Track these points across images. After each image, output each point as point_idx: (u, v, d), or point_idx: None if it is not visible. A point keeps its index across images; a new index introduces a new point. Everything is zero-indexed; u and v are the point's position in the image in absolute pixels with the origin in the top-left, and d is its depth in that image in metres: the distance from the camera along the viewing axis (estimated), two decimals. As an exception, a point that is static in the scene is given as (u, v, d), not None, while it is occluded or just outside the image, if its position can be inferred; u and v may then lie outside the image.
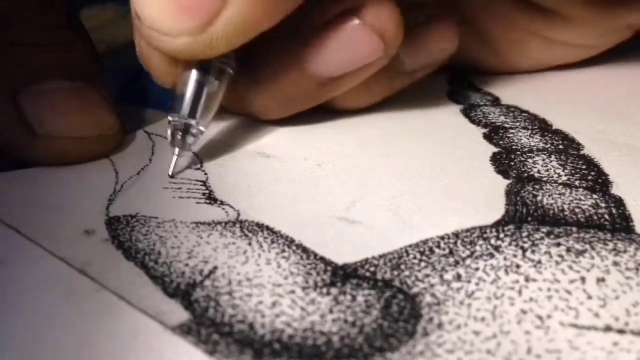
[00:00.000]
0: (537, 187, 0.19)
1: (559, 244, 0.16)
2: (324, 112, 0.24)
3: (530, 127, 0.23)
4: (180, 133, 0.19)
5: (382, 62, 0.21)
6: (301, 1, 0.19)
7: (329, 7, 0.21)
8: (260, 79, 0.22)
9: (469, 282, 0.15)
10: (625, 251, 0.15)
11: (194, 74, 0.19)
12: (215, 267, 0.15)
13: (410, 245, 0.16)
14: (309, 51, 0.21)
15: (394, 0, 0.21)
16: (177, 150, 0.20)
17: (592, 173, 0.20)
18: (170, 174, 0.20)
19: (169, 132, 0.20)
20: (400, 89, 0.24)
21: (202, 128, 0.20)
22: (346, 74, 0.21)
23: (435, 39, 0.23)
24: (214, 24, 0.17)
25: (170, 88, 0.21)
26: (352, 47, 0.21)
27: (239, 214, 0.18)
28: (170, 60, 0.20)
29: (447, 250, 0.16)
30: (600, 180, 0.19)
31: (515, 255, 0.15)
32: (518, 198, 0.18)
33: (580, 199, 0.18)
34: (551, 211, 0.17)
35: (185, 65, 0.19)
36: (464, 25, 0.27)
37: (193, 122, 0.19)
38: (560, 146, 0.22)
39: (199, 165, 0.20)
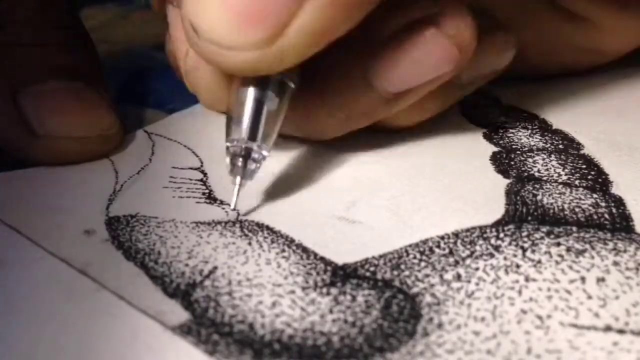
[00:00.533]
0: (537, 186, 0.19)
1: (559, 244, 0.16)
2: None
3: (530, 127, 0.23)
4: (241, 159, 0.17)
5: (451, 74, 0.20)
6: (378, 2, 0.17)
7: (400, 15, 0.19)
8: (320, 95, 0.19)
9: (469, 282, 0.15)
10: (625, 251, 0.15)
11: (251, 91, 0.17)
12: (215, 267, 0.15)
13: (410, 245, 0.16)
14: (377, 63, 0.19)
15: (468, 7, 0.19)
16: (238, 179, 0.17)
17: (592, 173, 0.20)
18: (233, 207, 0.17)
19: (227, 160, 0.17)
20: (453, 104, 0.23)
21: (264, 152, 0.17)
22: (413, 88, 0.19)
23: (493, 51, 0.22)
24: (285, 34, 0.15)
25: (224, 112, 0.18)
26: (426, 58, 0.19)
27: (239, 214, 0.18)
28: (223, 80, 0.18)
29: (447, 250, 0.16)
30: (600, 180, 0.19)
31: (515, 255, 0.15)
32: (518, 198, 0.18)
33: (580, 199, 0.18)
34: (551, 211, 0.17)
35: (241, 82, 0.17)
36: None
37: (255, 145, 0.17)
38: (560, 146, 0.22)
39: (199, 165, 0.20)
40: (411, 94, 0.20)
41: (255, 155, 0.17)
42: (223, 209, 0.18)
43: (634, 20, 0.25)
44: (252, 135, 0.17)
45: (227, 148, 0.17)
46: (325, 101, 0.20)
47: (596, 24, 0.25)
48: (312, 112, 0.20)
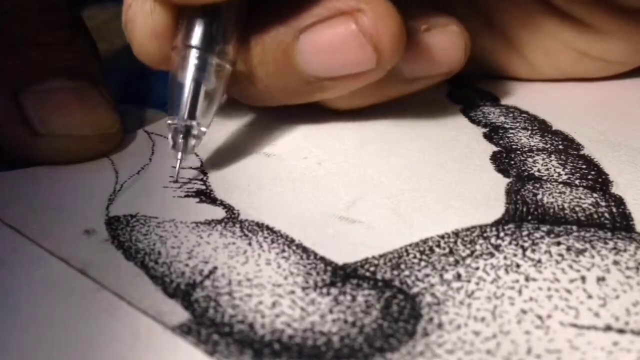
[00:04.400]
0: (537, 185, 0.19)
1: (559, 243, 0.16)
2: (323, 111, 0.24)
3: (530, 127, 0.23)
4: (182, 136, 0.18)
5: (375, 74, 0.20)
6: None
7: (327, 4, 0.19)
8: (248, 63, 0.20)
9: (469, 281, 0.14)
10: (625, 250, 0.15)
11: (190, 72, 0.18)
12: (215, 267, 0.15)
13: (410, 245, 0.16)
14: (299, 44, 0.20)
15: (397, 9, 0.19)
16: (180, 154, 0.19)
17: (592, 172, 0.20)
18: (175, 179, 0.19)
19: (169, 136, 0.19)
20: (397, 97, 0.23)
21: (203, 129, 0.19)
22: (335, 78, 0.20)
23: (438, 49, 0.21)
24: None
25: (150, 64, 0.20)
26: (342, 52, 0.20)
27: (239, 214, 0.18)
28: (154, 34, 0.19)
29: (447, 250, 0.16)
30: (600, 180, 0.19)
31: (515, 255, 0.15)
32: (518, 197, 0.18)
33: (580, 198, 0.18)
34: (551, 210, 0.17)
35: (180, 65, 0.18)
36: (498, 37, 0.26)
37: (194, 123, 0.18)
38: (560, 146, 0.22)
39: (199, 165, 0.20)
40: (334, 82, 0.20)
41: (194, 132, 0.19)
42: (223, 209, 0.18)
43: (635, 28, 0.25)
44: (191, 114, 0.18)
45: (169, 125, 0.19)
46: (249, 69, 0.20)
47: (597, 30, 0.25)
48: (238, 78, 0.20)
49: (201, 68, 0.18)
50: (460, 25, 0.22)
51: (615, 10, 0.24)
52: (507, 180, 0.19)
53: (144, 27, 0.19)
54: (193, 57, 0.18)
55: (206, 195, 0.19)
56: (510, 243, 0.16)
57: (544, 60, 0.27)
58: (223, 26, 0.19)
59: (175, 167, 0.19)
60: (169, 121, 0.19)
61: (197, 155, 0.21)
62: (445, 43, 0.22)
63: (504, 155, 0.21)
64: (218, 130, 0.23)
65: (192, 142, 0.19)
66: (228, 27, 0.19)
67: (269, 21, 0.20)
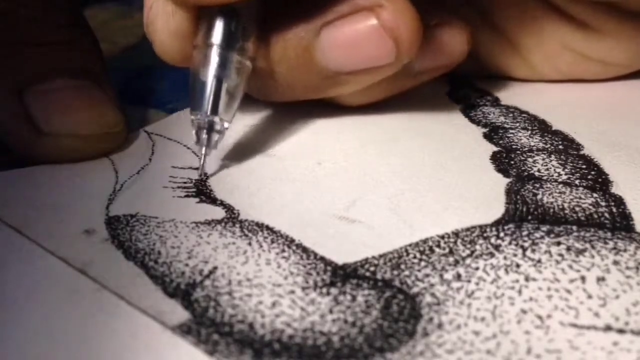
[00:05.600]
0: (537, 185, 0.19)
1: (559, 243, 0.16)
2: (323, 110, 0.24)
3: (530, 127, 0.23)
4: (205, 131, 0.19)
5: (392, 68, 0.21)
6: None
7: (348, 0, 0.20)
8: (269, 59, 0.21)
9: (469, 281, 0.14)
10: (625, 250, 0.15)
11: (212, 70, 0.19)
12: (215, 267, 0.15)
13: (410, 245, 0.16)
14: (319, 41, 0.20)
15: (414, 5, 0.20)
16: (204, 149, 0.19)
17: (592, 172, 0.20)
18: (200, 174, 0.20)
19: (193, 132, 0.19)
20: (406, 90, 0.24)
21: (226, 124, 0.19)
22: (353, 72, 0.21)
23: (445, 43, 0.22)
24: None
25: (172, 63, 0.20)
26: (363, 46, 0.20)
27: (239, 214, 0.18)
28: (175, 34, 0.19)
29: (447, 250, 0.16)
30: (600, 180, 0.19)
31: (515, 255, 0.15)
32: (518, 197, 0.18)
33: (580, 198, 0.18)
34: (551, 210, 0.17)
35: (203, 61, 0.19)
36: (498, 37, 0.26)
37: (216, 119, 0.19)
38: (560, 146, 0.22)
39: (199, 165, 0.20)
40: (352, 77, 0.21)
41: (217, 127, 0.19)
42: (223, 209, 0.18)
43: (635, 30, 0.25)
44: (214, 110, 0.19)
45: (192, 121, 0.19)
46: (269, 65, 0.21)
47: (597, 32, 0.25)
48: (258, 74, 0.21)
49: (222, 65, 0.19)
50: (463, 21, 0.23)
51: (616, 12, 0.24)
52: (507, 180, 0.19)
53: (166, 27, 0.20)
54: (214, 54, 0.19)
55: (206, 195, 0.19)
56: (510, 243, 0.16)
57: (543, 61, 0.27)
58: (242, 24, 0.19)
59: (200, 163, 0.20)
60: (192, 117, 0.19)
61: (198, 156, 0.21)
62: (452, 37, 0.22)
63: (504, 155, 0.21)
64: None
65: (215, 137, 0.19)
66: (247, 25, 0.19)
67: (289, 18, 0.20)
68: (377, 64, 0.21)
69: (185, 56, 0.20)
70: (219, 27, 0.19)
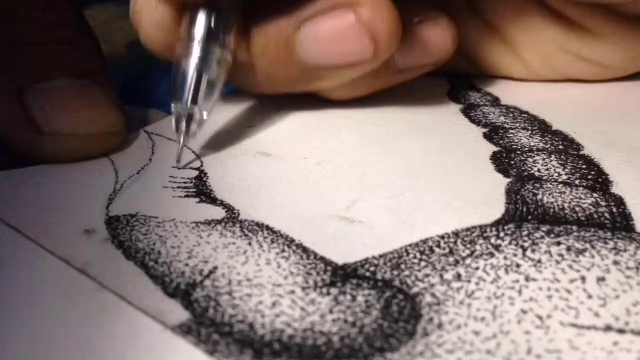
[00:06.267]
0: (537, 185, 0.19)
1: (559, 243, 0.16)
2: (324, 111, 0.24)
3: (530, 127, 0.23)
4: (184, 120, 0.20)
5: (371, 64, 0.21)
6: None
7: None
8: (250, 52, 0.21)
9: (469, 281, 0.14)
10: (625, 250, 0.15)
11: (193, 62, 0.19)
12: (215, 267, 0.15)
13: (410, 245, 0.16)
14: (299, 35, 0.21)
15: (392, 2, 0.20)
16: (182, 137, 0.20)
17: (592, 172, 0.20)
18: (177, 160, 0.20)
19: (172, 121, 0.20)
20: (389, 86, 0.24)
21: (205, 114, 0.20)
22: (332, 67, 0.21)
23: (430, 40, 0.23)
24: None
25: (157, 54, 0.21)
26: (341, 42, 0.20)
27: (239, 214, 0.18)
28: (160, 25, 0.20)
29: (447, 250, 0.16)
30: (600, 180, 0.19)
31: (515, 255, 0.15)
32: (518, 196, 0.18)
33: (580, 198, 0.18)
34: (551, 210, 0.17)
35: (181, 43, 0.20)
36: (494, 36, 0.26)
37: (196, 108, 0.20)
38: (560, 146, 0.22)
39: (199, 165, 0.20)
40: (331, 72, 0.21)
41: (197, 116, 0.20)
42: (223, 209, 0.18)
43: (633, 32, 0.25)
44: (194, 100, 0.19)
45: (172, 110, 0.20)
46: (250, 58, 0.21)
47: (594, 35, 0.25)
48: (240, 67, 0.21)
49: (203, 58, 0.20)
50: (449, 18, 0.23)
51: (613, 15, 0.24)
52: (507, 180, 0.19)
53: (150, 19, 0.20)
54: (196, 47, 0.20)
55: (206, 195, 0.19)
56: (510, 243, 0.16)
57: (540, 61, 0.27)
58: (224, 17, 0.20)
59: (178, 150, 0.20)
60: (172, 106, 0.20)
61: (197, 156, 0.21)
62: (436, 34, 0.23)
63: (504, 155, 0.21)
64: (218, 130, 0.23)
65: (194, 126, 0.20)
66: (229, 18, 0.20)
67: (270, 13, 0.21)
68: (355, 60, 0.21)
69: (169, 47, 0.21)
70: (201, 20, 0.20)
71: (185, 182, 0.19)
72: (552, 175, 0.19)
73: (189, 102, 0.19)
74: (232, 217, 0.17)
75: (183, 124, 0.20)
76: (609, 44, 0.25)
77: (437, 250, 0.16)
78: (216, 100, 0.20)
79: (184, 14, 0.20)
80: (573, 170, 0.20)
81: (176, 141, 0.20)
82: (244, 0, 0.21)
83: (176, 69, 0.20)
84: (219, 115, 0.24)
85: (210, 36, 0.20)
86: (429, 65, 0.23)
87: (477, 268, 0.15)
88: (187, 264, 0.15)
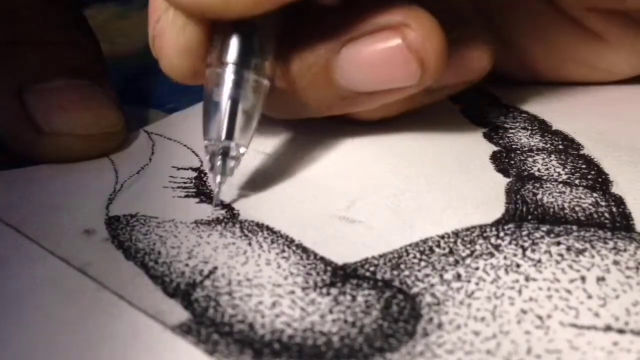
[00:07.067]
0: (537, 185, 0.19)
1: (559, 243, 0.16)
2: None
3: (530, 127, 0.23)
4: (220, 158, 0.17)
5: (414, 89, 0.19)
6: None
7: (370, 17, 0.19)
8: (286, 77, 0.20)
9: (469, 281, 0.14)
10: (625, 250, 0.15)
11: (226, 90, 0.17)
12: (215, 267, 0.15)
13: (410, 245, 0.16)
14: (339, 60, 0.19)
15: (439, 23, 0.19)
16: (219, 177, 0.18)
17: (592, 172, 0.20)
18: (215, 204, 0.18)
19: (206, 158, 0.18)
20: (421, 107, 0.22)
21: (242, 150, 0.18)
22: (373, 92, 0.20)
23: (468, 58, 0.21)
24: None
25: (179, 80, 0.19)
26: (386, 67, 0.19)
27: (239, 214, 0.17)
28: (183, 49, 0.18)
29: (447, 250, 0.16)
30: (600, 180, 0.19)
31: (515, 255, 0.15)
32: (518, 196, 0.18)
33: (580, 198, 0.18)
34: (551, 210, 0.17)
35: (216, 80, 0.18)
36: (503, 43, 0.26)
37: (232, 144, 0.17)
38: (560, 146, 0.22)
39: (199, 165, 0.20)
40: (371, 97, 0.20)
41: (233, 153, 0.17)
42: (223, 209, 0.18)
43: None
44: (229, 134, 0.17)
45: (206, 147, 0.18)
46: (285, 83, 0.20)
47: (609, 43, 0.25)
48: (274, 91, 0.19)
49: (238, 85, 0.17)
50: (487, 35, 0.22)
51: (630, 22, 0.24)
52: (507, 180, 0.19)
53: (175, 43, 0.18)
54: (229, 73, 0.17)
55: (206, 195, 0.19)
56: (510, 243, 0.16)
57: (549, 69, 0.26)
58: (260, 41, 0.18)
59: (214, 193, 0.18)
60: (206, 142, 0.18)
61: (197, 156, 0.21)
62: (474, 52, 0.21)
63: (504, 155, 0.21)
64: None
65: (231, 163, 0.18)
66: (265, 42, 0.18)
67: (308, 36, 0.19)
68: (399, 85, 0.19)
69: (196, 74, 0.18)
70: (234, 43, 0.17)
71: (185, 182, 0.19)
72: (552, 175, 0.19)
73: (223, 136, 0.17)
74: (232, 217, 0.17)
75: (218, 162, 0.17)
76: (621, 52, 0.25)
77: (437, 250, 0.16)
78: (254, 133, 0.18)
79: (216, 37, 0.18)
80: (573, 170, 0.20)
81: (210, 182, 0.18)
82: (281, 21, 0.18)
83: (207, 98, 0.18)
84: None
85: (246, 60, 0.17)
86: (465, 84, 0.22)
87: (477, 268, 0.15)
88: (187, 264, 0.15)
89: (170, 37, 0.18)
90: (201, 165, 0.20)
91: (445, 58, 0.19)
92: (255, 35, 0.18)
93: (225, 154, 0.17)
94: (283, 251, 0.16)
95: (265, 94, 0.18)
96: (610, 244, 0.16)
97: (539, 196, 0.18)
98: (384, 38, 0.19)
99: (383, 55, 0.19)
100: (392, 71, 0.19)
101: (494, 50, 0.22)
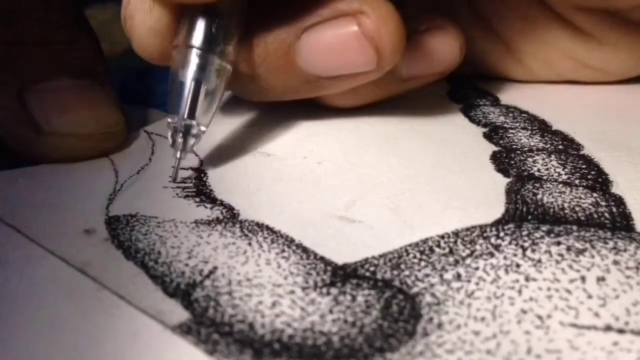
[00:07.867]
0: (537, 185, 0.19)
1: (559, 243, 0.16)
2: (323, 111, 0.24)
3: (530, 127, 0.23)
4: (181, 135, 0.19)
5: (374, 75, 0.20)
6: None
7: (330, 4, 0.20)
8: (250, 62, 0.20)
9: (469, 281, 0.14)
10: (625, 250, 0.15)
11: (191, 72, 0.18)
12: (215, 267, 0.15)
13: (410, 245, 0.16)
14: (300, 45, 0.20)
15: (398, 10, 0.20)
16: (179, 153, 0.19)
17: (592, 172, 0.20)
18: (174, 178, 0.19)
19: (169, 134, 0.19)
20: (394, 95, 0.23)
21: (203, 128, 0.19)
22: (334, 77, 0.21)
23: (437, 50, 0.22)
24: None
25: (150, 60, 0.20)
26: (343, 52, 0.20)
27: (239, 214, 0.18)
28: (153, 29, 0.19)
29: (447, 250, 0.16)
30: (600, 180, 0.19)
31: (515, 255, 0.15)
32: (518, 196, 0.18)
33: (580, 198, 0.18)
34: (551, 210, 0.17)
35: (182, 63, 0.18)
36: (496, 40, 0.26)
37: (193, 122, 0.18)
38: (560, 146, 0.22)
39: (199, 165, 0.20)
40: (333, 82, 0.21)
41: (194, 131, 0.19)
42: (223, 209, 0.18)
43: (637, 39, 0.25)
44: (191, 113, 0.18)
45: (168, 124, 0.19)
46: (250, 67, 0.20)
47: (598, 41, 0.25)
48: (239, 76, 0.20)
49: (202, 68, 0.18)
50: (457, 27, 0.22)
51: (618, 22, 0.24)
52: (507, 180, 0.19)
53: (143, 24, 0.19)
54: (194, 57, 0.18)
55: (206, 195, 0.19)
56: (510, 243, 0.16)
57: (542, 67, 0.27)
58: (224, 26, 0.19)
59: (174, 167, 0.19)
60: (169, 120, 0.19)
61: (197, 155, 0.21)
62: (443, 43, 0.22)
63: (504, 155, 0.21)
64: (218, 130, 0.23)
65: (191, 141, 0.19)
66: (229, 27, 0.19)
67: (271, 21, 0.20)
68: (357, 70, 0.20)
69: (163, 54, 0.19)
70: (200, 28, 0.18)
71: (185, 182, 0.19)
72: (552, 175, 0.19)
73: (185, 115, 0.18)
74: (232, 217, 0.17)
75: (180, 139, 0.19)
76: (613, 51, 0.25)
77: (437, 250, 0.16)
78: (215, 113, 0.19)
79: (182, 20, 0.19)
80: (573, 170, 0.20)
81: (173, 157, 0.19)
82: (245, 7, 0.20)
83: (172, 79, 0.19)
84: (219, 116, 0.24)
85: (210, 45, 0.19)
86: (435, 75, 0.23)
87: (477, 268, 0.15)
88: (187, 264, 0.15)
89: (139, 18, 0.19)
90: (201, 165, 0.20)
91: (402, 44, 0.20)
92: (220, 19, 0.19)
93: (186, 131, 0.19)
94: (283, 251, 0.16)
95: (228, 77, 0.19)
96: (610, 244, 0.16)
97: (539, 196, 0.18)
98: (342, 25, 0.20)
99: (340, 42, 0.20)
100: (349, 57, 0.20)
101: (465, 43, 0.22)
